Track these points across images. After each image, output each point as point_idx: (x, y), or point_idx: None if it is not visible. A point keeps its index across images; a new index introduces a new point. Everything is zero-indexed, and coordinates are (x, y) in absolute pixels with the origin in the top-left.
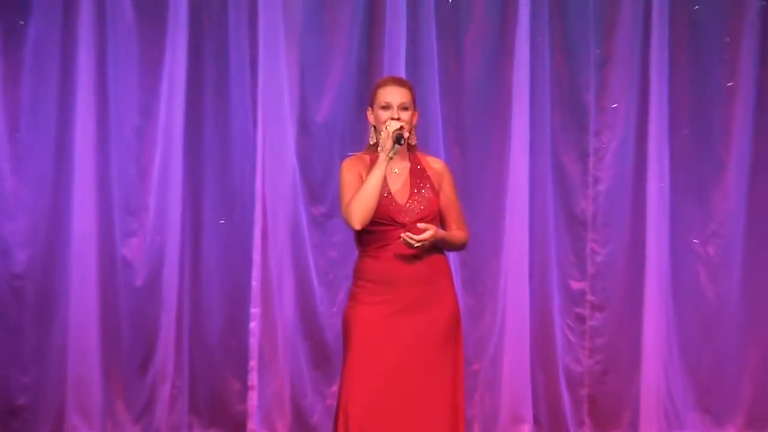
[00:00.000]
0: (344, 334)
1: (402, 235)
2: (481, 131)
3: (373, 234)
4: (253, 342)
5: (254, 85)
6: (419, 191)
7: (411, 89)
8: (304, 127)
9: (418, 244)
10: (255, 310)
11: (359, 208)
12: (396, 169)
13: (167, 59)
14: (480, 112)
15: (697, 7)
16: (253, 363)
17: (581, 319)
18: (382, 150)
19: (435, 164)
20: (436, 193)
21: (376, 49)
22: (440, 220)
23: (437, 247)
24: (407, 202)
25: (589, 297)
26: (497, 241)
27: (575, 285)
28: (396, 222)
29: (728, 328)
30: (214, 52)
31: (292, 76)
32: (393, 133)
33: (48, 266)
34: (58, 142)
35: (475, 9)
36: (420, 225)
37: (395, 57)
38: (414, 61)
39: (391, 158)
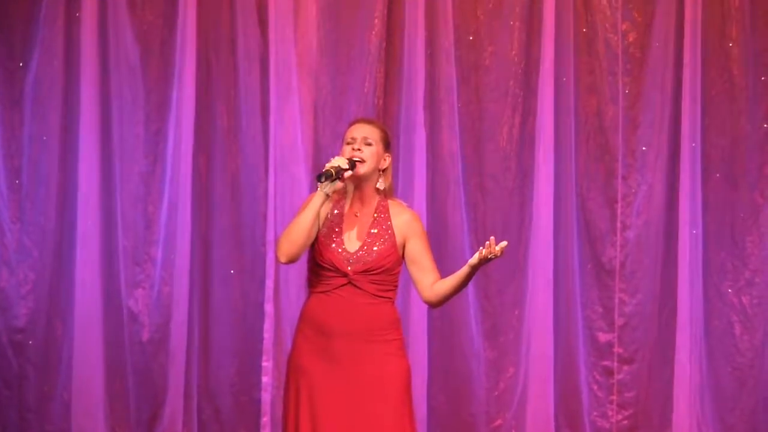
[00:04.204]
0: (285, 380)
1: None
2: (502, 176)
3: (318, 276)
4: (266, 397)
5: (266, 129)
6: (372, 243)
7: (382, 130)
8: (318, 173)
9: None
10: (267, 364)
11: (285, 242)
12: (358, 213)
13: (174, 101)
14: (502, 156)
15: (731, 44)
16: (265, 419)
17: (609, 372)
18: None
19: (402, 215)
20: (393, 248)
21: (393, 91)
22: (415, 272)
23: (390, 300)
24: (357, 251)
25: (617, 349)
26: (520, 291)
27: (602, 337)
28: (339, 270)
29: (764, 382)
30: (223, 94)
31: (306, 120)
32: (329, 167)
33: (50, 319)
34: (60, 189)
35: (497, 49)
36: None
37: (413, 99)
38: (432, 103)
39: (327, 195)
